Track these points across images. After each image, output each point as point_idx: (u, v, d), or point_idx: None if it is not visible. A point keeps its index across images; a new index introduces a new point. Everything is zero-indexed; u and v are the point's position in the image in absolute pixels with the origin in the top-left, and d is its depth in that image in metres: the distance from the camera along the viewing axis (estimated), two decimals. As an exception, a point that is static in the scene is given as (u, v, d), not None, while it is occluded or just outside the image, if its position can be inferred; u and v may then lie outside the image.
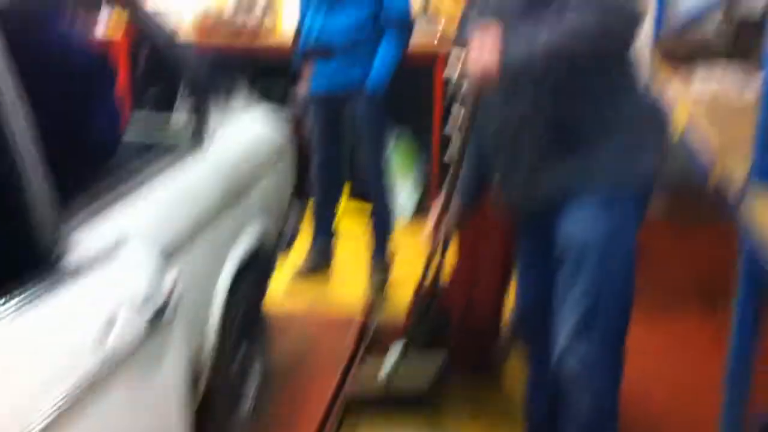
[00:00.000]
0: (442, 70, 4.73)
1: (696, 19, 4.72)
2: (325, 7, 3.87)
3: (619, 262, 2.23)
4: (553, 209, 2.27)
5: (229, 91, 2.87)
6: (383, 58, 3.88)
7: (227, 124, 2.73)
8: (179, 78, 2.60)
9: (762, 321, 2.36)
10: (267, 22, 5.31)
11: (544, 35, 2.00)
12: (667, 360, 3.36)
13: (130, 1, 2.36)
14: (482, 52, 2.03)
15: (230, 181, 2.55)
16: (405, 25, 3.95)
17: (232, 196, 2.54)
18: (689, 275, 3.83)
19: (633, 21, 2.07)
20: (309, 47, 3.96)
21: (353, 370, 3.14)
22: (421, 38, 4.76)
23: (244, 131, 2.86)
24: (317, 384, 3.10)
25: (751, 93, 3.54)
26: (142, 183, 2.09)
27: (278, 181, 3.03)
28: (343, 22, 3.85)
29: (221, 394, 2.48)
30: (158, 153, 2.36)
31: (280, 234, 3.08)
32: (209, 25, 5.21)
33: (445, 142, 3.67)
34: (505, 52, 2.02)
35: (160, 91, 4.71)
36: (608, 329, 2.25)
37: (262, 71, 5.04)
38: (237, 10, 5.39)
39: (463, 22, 2.41)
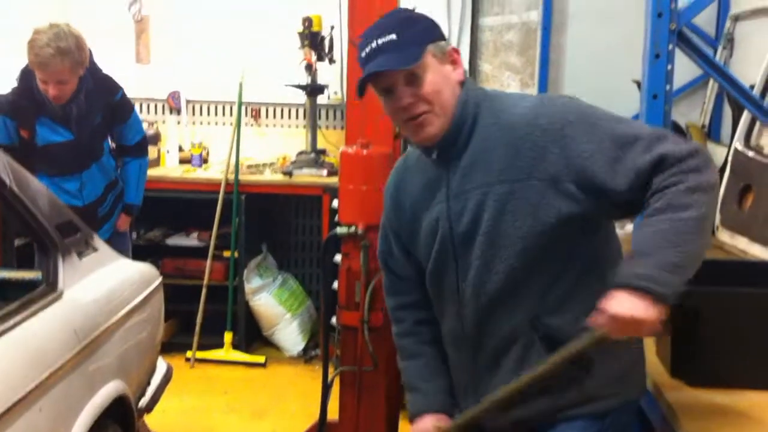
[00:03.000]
0: (329, 218, 4.64)
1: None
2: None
3: None
4: (528, 426, 1.93)
5: (88, 242, 2.72)
6: (137, 184, 3.92)
7: (85, 276, 2.58)
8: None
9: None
10: (150, 153, 5.17)
11: (677, 221, 1.63)
12: None
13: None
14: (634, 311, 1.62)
15: (82, 332, 2.39)
16: (143, 149, 4.01)
17: (85, 348, 2.37)
18: None
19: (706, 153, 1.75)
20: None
21: None
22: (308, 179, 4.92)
23: (103, 284, 2.69)
24: None
25: (624, 234, 3.65)
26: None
27: (138, 336, 2.84)
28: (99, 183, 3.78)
29: None
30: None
31: (142, 391, 2.87)
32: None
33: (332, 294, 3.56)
34: (653, 281, 1.61)
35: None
36: None
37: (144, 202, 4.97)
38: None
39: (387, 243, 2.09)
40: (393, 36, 1.78)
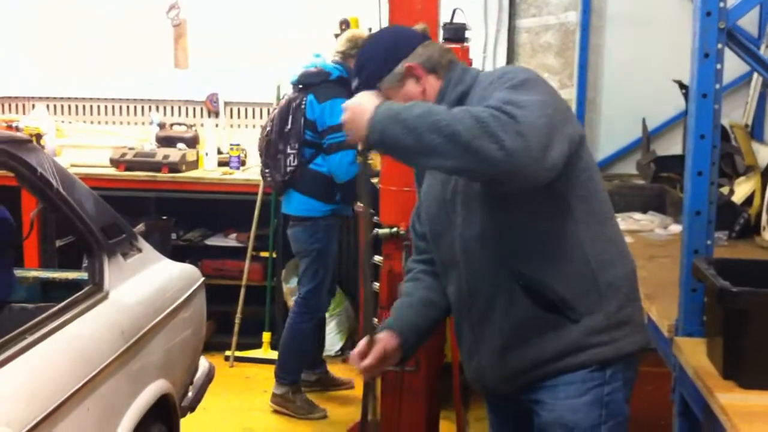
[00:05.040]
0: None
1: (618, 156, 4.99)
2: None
3: None
4: (530, 387, 2.04)
5: (133, 243, 2.74)
6: None
7: (130, 276, 2.62)
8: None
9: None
10: (189, 155, 5.22)
11: (427, 107, 1.84)
12: None
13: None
14: (357, 103, 1.92)
15: (128, 332, 2.42)
16: None
17: (130, 348, 2.40)
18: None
19: (532, 137, 1.73)
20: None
21: None
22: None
23: (147, 284, 2.72)
24: None
25: (668, 234, 3.61)
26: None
27: (182, 335, 2.86)
28: None
29: None
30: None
31: (185, 390, 2.89)
32: (129, 158, 5.10)
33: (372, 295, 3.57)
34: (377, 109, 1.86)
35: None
36: None
37: (184, 204, 5.02)
38: (158, 143, 5.32)
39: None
40: (356, 82, 2.10)
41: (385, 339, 2.12)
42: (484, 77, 2.05)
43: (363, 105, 1.89)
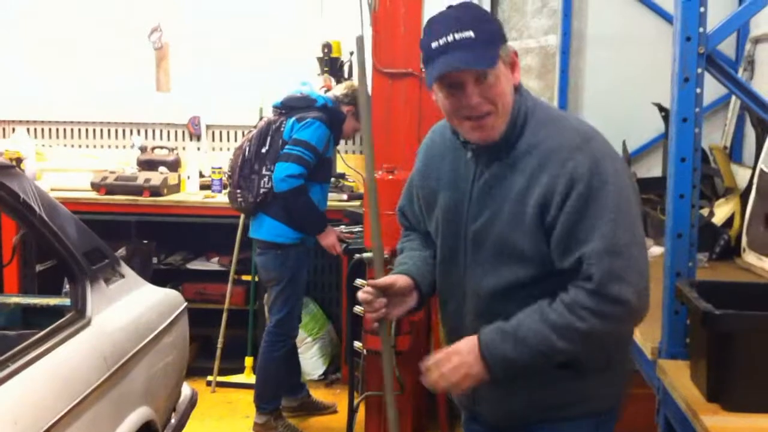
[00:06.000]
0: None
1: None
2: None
3: None
4: (527, 428, 2.02)
5: (115, 268, 2.72)
6: None
7: (112, 302, 2.59)
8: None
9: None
10: (171, 179, 5.20)
11: (536, 332, 1.80)
12: None
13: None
14: (459, 370, 1.84)
15: (111, 359, 2.40)
16: None
17: (113, 375, 2.38)
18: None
19: (641, 311, 1.86)
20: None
21: None
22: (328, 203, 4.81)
23: (130, 310, 2.69)
24: None
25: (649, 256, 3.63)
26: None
27: (165, 361, 2.83)
28: None
29: None
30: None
31: (168, 417, 2.86)
32: (110, 182, 5.07)
33: (355, 319, 3.55)
34: (488, 353, 1.82)
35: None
36: None
37: (165, 228, 5.00)
38: (140, 166, 5.30)
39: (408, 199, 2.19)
40: (470, 33, 1.77)
41: (396, 277, 2.02)
42: (545, 116, 1.90)
43: (462, 361, 1.85)
